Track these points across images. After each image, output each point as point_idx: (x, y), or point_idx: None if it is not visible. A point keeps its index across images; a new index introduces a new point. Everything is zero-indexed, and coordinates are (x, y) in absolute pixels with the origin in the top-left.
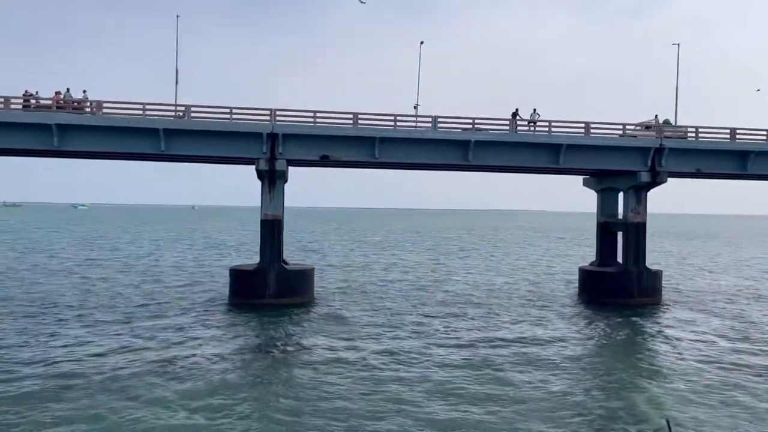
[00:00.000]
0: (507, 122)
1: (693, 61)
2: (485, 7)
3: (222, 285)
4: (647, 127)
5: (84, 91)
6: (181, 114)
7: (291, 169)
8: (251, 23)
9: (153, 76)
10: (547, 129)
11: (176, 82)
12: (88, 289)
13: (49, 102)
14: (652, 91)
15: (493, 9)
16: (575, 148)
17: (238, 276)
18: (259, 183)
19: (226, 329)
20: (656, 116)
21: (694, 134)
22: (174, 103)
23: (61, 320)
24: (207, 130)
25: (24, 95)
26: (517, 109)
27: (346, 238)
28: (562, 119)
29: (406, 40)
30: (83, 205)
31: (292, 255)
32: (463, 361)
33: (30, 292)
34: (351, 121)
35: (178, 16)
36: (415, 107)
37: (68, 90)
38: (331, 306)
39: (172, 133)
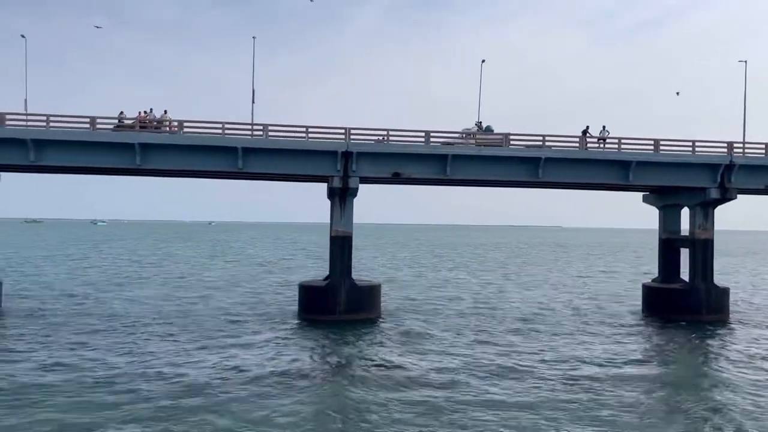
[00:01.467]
0: (577, 139)
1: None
2: (494, 22)
3: (286, 300)
4: (468, 135)
5: (165, 111)
6: (260, 133)
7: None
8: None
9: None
10: (616, 146)
11: (252, 102)
12: (161, 304)
13: (131, 122)
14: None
15: (502, 25)
16: (644, 165)
17: (308, 292)
18: (271, 199)
19: (303, 346)
20: (479, 123)
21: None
22: (251, 122)
23: (141, 337)
24: (283, 149)
25: (119, 116)
26: (587, 126)
27: (407, 254)
28: (631, 136)
29: (416, 55)
30: (102, 221)
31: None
32: (548, 379)
33: (113, 308)
34: (423, 139)
35: (254, 38)
36: (477, 125)
37: (151, 110)
38: (401, 322)
39: (249, 152)
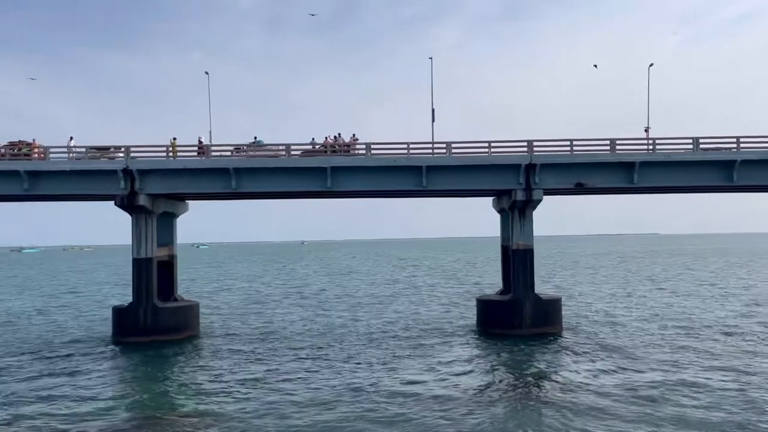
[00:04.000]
0: None
1: None
2: (575, 30)
3: (454, 315)
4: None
5: (353, 135)
6: (441, 151)
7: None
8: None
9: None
10: None
11: (432, 120)
12: (341, 317)
13: (312, 146)
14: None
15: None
16: None
17: (487, 306)
18: (356, 216)
19: (496, 361)
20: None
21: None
22: (431, 141)
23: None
24: (465, 165)
25: (311, 142)
26: None
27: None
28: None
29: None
30: (204, 245)
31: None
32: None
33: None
34: (608, 148)
35: (431, 58)
36: (645, 130)
37: (339, 134)
38: (591, 337)
39: (432, 170)
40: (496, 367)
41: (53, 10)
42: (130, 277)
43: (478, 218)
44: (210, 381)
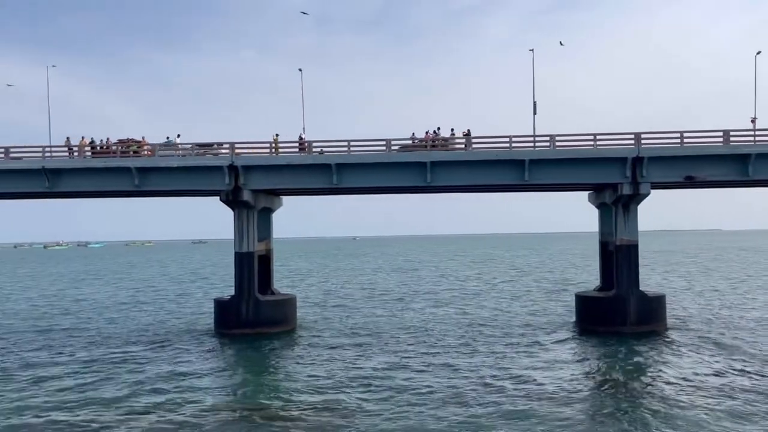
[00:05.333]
0: None
1: None
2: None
3: (549, 311)
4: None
5: (452, 130)
6: (545, 144)
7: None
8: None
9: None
10: None
11: (534, 113)
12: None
13: (411, 142)
14: None
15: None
16: None
17: (588, 303)
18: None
19: (602, 359)
20: (754, 119)
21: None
22: (533, 133)
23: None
24: (569, 158)
25: (411, 137)
26: None
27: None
28: None
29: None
30: None
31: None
32: None
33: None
34: (721, 139)
35: (532, 50)
36: (752, 121)
37: (439, 129)
38: (697, 333)
39: (534, 163)
40: (606, 365)
41: (102, 9)
42: (202, 271)
43: (530, 213)
44: (324, 376)
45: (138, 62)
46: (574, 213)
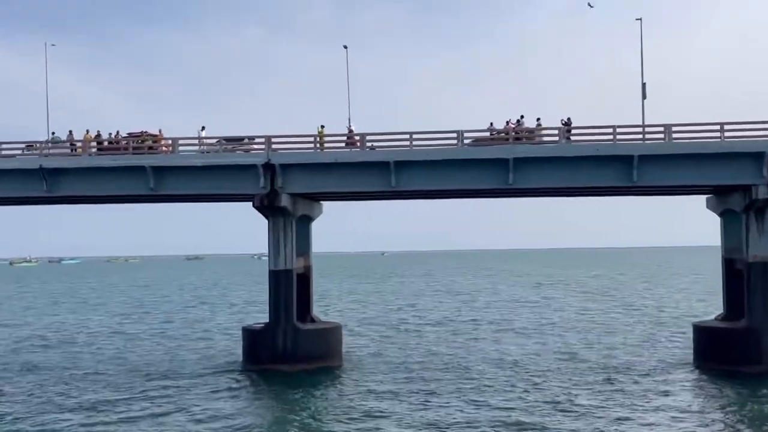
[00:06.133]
0: None
1: None
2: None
3: (657, 345)
4: None
5: (538, 120)
6: (658, 136)
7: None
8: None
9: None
10: None
11: (643, 97)
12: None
13: (491, 133)
14: None
15: None
16: None
17: (711, 336)
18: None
19: (732, 406)
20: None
21: None
22: (642, 123)
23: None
24: (688, 154)
25: (489, 128)
26: None
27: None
28: None
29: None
30: (266, 255)
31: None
32: None
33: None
34: None
35: (640, 19)
36: None
37: (522, 117)
38: None
39: (645, 160)
40: (737, 416)
41: None
42: (210, 294)
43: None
44: (385, 429)
45: (121, 40)
46: (632, 222)
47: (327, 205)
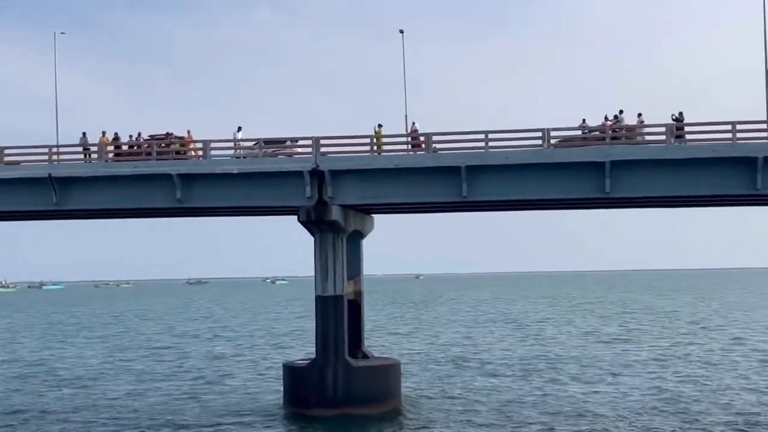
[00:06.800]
0: None
1: None
2: None
3: None
4: None
5: (639, 115)
6: None
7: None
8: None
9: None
10: None
11: None
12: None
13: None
14: None
15: None
16: None
17: None
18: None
19: None
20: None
21: None
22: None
23: None
24: None
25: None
26: None
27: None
28: None
29: None
30: (283, 280)
31: None
32: None
33: None
34: None
35: None
36: None
37: (621, 112)
38: None
39: None
40: None
41: None
42: (225, 322)
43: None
44: None
45: (108, 27)
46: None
47: None
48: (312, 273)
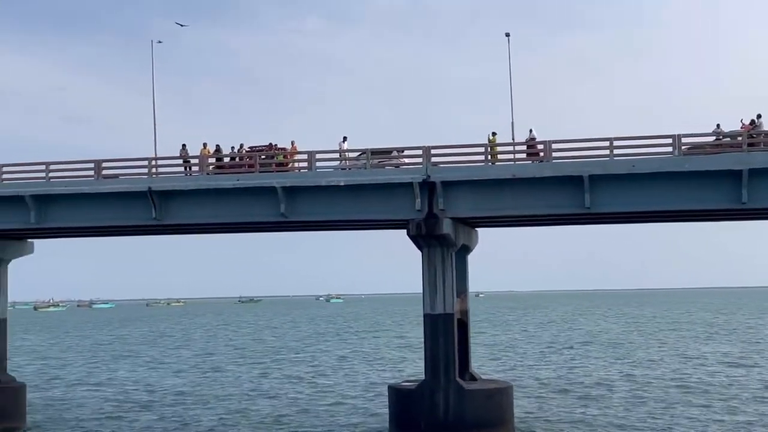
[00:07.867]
0: None
1: None
2: None
3: None
4: None
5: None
6: None
7: None
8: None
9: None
10: None
11: None
12: None
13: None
14: None
15: None
16: None
17: None
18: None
19: None
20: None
21: None
22: None
23: None
24: None
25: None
26: None
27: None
28: None
29: None
30: (338, 298)
31: None
32: None
33: None
34: None
35: None
36: None
37: (759, 117)
38: None
39: None
40: None
41: None
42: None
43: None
44: None
45: (154, 36)
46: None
47: (384, 236)
48: (367, 291)
